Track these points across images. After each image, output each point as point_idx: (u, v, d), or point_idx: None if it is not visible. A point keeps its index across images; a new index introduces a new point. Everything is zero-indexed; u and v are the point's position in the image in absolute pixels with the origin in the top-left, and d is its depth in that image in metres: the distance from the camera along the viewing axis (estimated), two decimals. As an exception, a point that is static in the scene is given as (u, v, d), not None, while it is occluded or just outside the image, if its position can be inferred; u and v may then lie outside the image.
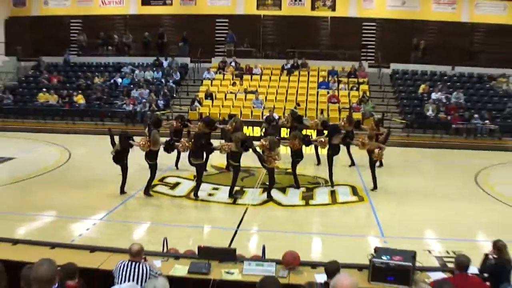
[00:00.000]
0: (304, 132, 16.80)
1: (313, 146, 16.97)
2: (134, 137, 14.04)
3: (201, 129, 15.54)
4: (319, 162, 17.52)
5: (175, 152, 15.76)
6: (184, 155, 15.34)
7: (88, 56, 30.10)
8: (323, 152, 15.70)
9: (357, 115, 22.35)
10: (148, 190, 13.75)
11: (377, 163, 15.77)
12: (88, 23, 30.64)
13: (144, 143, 13.43)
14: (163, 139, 14.19)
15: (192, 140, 14.13)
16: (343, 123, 17.52)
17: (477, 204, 13.81)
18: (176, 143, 14.48)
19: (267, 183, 14.53)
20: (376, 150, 14.48)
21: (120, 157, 13.63)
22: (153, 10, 30.30)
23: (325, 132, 16.00)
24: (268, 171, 13.77)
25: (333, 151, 14.98)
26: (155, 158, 13.65)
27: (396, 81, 27.66)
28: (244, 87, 26.47)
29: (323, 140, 15.09)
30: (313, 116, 21.95)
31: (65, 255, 7.08)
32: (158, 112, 22.20)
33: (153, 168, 13.65)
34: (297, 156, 14.71)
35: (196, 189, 13.78)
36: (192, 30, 29.43)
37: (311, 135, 17.95)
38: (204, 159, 14.48)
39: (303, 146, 14.87)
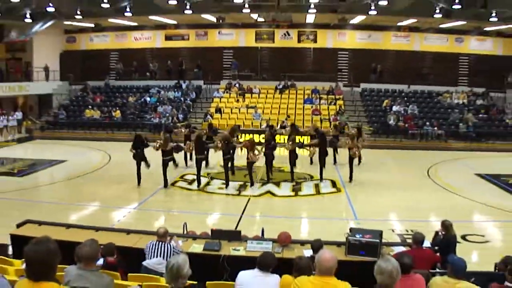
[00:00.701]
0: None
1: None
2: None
3: (205, 132, 16.19)
4: (311, 162, 17.31)
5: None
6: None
7: (124, 81, 30.04)
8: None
9: (334, 124, 22.30)
10: (166, 183, 13.90)
11: (356, 161, 15.79)
12: (124, 55, 30.60)
13: (156, 144, 13.86)
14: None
15: (194, 141, 14.62)
16: (330, 130, 17.70)
17: (429, 192, 13.81)
18: (183, 145, 15.15)
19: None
20: (354, 149, 14.56)
21: (138, 155, 13.84)
22: (174, 44, 30.26)
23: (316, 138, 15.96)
24: (248, 165, 14.07)
25: (324, 154, 14.95)
26: (168, 155, 13.90)
27: (365, 97, 27.58)
28: (246, 103, 26.41)
29: (312, 145, 15.47)
30: (300, 125, 21.92)
31: (106, 236, 7.07)
32: (178, 124, 22.11)
33: (166, 164, 13.83)
34: (293, 156, 14.66)
35: (197, 180, 14.03)
36: (204, 59, 29.39)
37: (304, 141, 18.07)
38: (204, 155, 14.87)
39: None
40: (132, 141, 14.03)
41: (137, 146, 13.83)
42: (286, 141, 16.59)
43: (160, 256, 6.17)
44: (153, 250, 6.25)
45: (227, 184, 13.93)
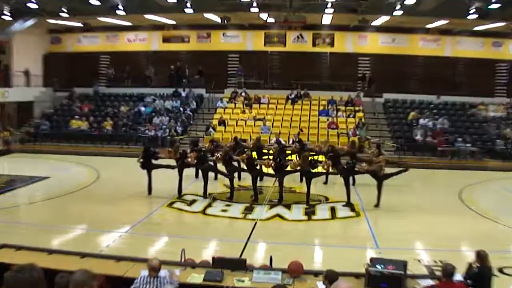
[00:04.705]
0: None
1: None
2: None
3: (230, 145, 17.72)
4: (326, 182, 17.48)
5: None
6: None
7: (115, 87, 30.29)
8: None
9: (353, 139, 22.35)
10: (180, 192, 15.31)
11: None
12: (115, 58, 30.89)
13: (168, 153, 15.85)
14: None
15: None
16: (347, 147, 17.63)
17: (461, 218, 13.73)
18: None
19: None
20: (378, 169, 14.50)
21: (146, 165, 15.20)
22: (172, 47, 30.52)
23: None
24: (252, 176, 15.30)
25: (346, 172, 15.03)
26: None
27: (388, 109, 27.66)
28: (253, 115, 26.49)
29: (328, 163, 15.44)
30: (314, 141, 21.91)
31: (94, 264, 7.09)
32: (176, 137, 22.24)
33: (180, 171, 15.45)
34: (307, 174, 14.73)
35: (204, 191, 15.12)
36: (207, 64, 29.53)
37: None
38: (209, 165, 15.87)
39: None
40: (142, 152, 15.55)
41: (147, 157, 15.29)
42: (296, 158, 16.76)
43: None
44: (145, 286, 6.19)
45: (231, 196, 15.16)
